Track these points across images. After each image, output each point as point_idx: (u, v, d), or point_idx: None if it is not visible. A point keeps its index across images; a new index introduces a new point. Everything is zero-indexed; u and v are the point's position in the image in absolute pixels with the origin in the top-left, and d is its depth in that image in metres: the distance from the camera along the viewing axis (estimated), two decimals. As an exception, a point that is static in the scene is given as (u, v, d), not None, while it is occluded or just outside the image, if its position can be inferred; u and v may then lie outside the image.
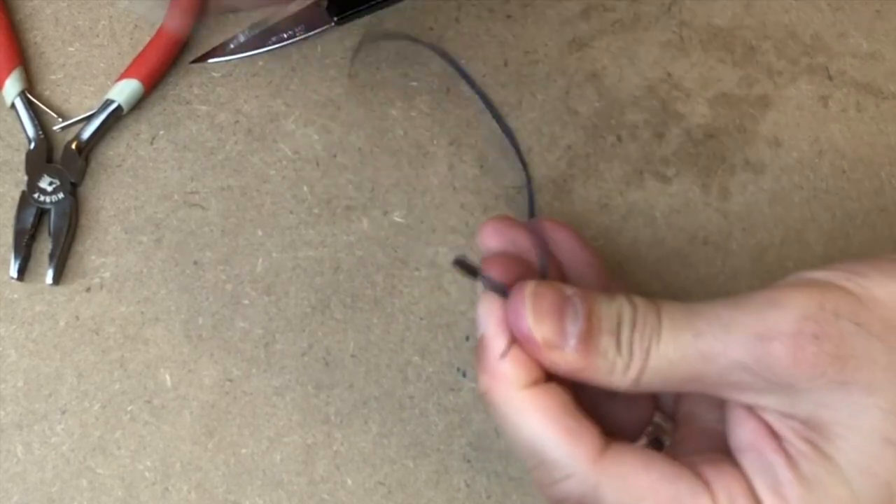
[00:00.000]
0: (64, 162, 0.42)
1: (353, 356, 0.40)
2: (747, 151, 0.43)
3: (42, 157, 0.42)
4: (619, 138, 0.43)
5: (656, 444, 0.32)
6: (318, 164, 0.43)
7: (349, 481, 0.39)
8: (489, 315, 0.30)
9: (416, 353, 0.40)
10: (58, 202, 0.41)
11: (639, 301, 0.29)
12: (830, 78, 0.44)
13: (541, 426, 0.29)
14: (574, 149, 0.43)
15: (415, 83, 0.43)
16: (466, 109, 0.43)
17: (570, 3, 0.45)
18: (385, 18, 0.45)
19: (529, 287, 0.30)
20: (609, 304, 0.29)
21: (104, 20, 0.45)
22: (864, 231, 0.42)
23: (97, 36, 0.44)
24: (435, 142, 0.43)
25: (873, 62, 0.44)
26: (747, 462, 0.29)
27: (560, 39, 0.44)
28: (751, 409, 0.29)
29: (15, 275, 0.40)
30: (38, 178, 0.42)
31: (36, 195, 0.41)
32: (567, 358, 0.29)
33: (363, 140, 0.43)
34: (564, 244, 0.34)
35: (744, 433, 0.29)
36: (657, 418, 0.32)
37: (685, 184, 0.42)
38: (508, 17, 0.45)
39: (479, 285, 0.31)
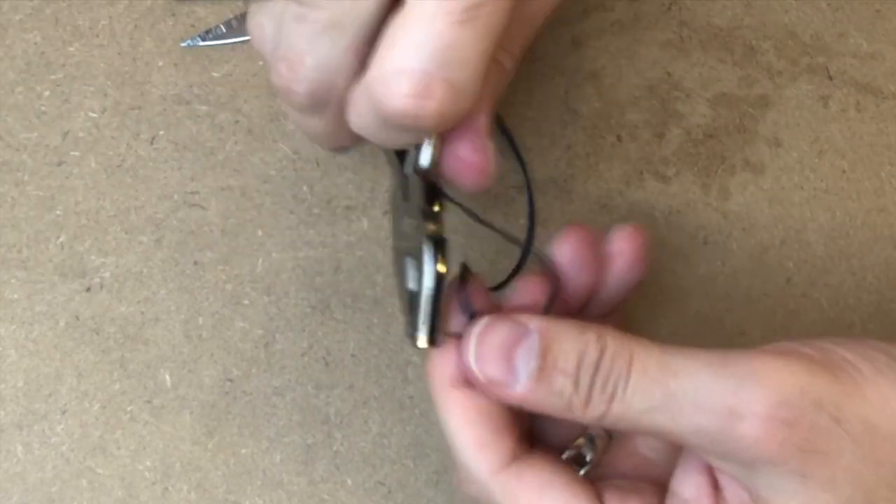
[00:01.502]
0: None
1: (353, 356, 0.40)
2: (747, 151, 0.43)
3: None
4: (619, 138, 0.43)
5: (578, 459, 0.32)
6: (318, 164, 0.43)
7: (349, 481, 0.39)
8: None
9: (416, 353, 0.40)
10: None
11: (610, 342, 0.28)
12: (830, 78, 0.44)
13: (455, 428, 0.30)
14: (574, 149, 0.43)
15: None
16: (466, 109, 0.43)
17: (570, 3, 0.45)
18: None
19: (480, 325, 0.29)
20: (572, 343, 0.28)
21: (104, 20, 0.45)
22: (864, 231, 0.42)
23: (97, 36, 0.44)
24: (435, 142, 0.43)
25: (873, 62, 0.44)
26: None
27: (560, 39, 0.44)
28: (704, 463, 0.29)
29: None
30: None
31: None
32: (516, 394, 0.28)
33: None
34: (621, 255, 0.34)
35: (688, 485, 0.29)
36: (592, 431, 0.32)
37: (685, 184, 0.42)
38: (508, 17, 0.45)
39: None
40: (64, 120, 0.43)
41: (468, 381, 0.30)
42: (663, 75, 0.44)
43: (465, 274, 0.32)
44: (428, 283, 0.29)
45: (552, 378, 0.28)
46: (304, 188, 0.42)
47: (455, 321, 0.31)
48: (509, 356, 0.28)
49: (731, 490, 0.28)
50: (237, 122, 0.43)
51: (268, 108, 0.43)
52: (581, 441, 0.32)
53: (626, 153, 0.43)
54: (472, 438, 0.30)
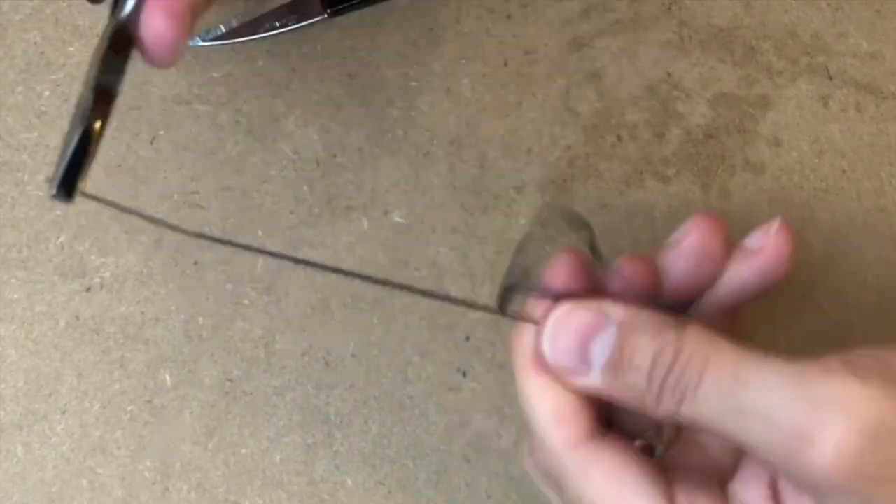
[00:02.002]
0: None
1: (353, 356, 0.40)
2: (747, 151, 0.43)
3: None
4: (619, 138, 0.43)
5: (647, 450, 0.32)
6: (318, 164, 0.43)
7: (349, 481, 0.39)
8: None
9: (416, 353, 0.40)
10: None
11: (687, 345, 0.27)
12: (830, 78, 0.44)
13: (535, 400, 0.30)
14: (574, 149, 0.43)
15: (415, 83, 0.43)
16: (466, 109, 0.43)
17: (570, 3, 0.45)
18: (383, 17, 0.45)
19: (559, 311, 0.29)
20: (649, 341, 0.28)
21: (104, 20, 0.45)
22: (864, 231, 0.42)
23: (97, 36, 0.44)
24: (435, 142, 0.43)
25: (873, 62, 0.44)
26: None
27: (560, 39, 0.44)
28: (768, 471, 0.29)
29: None
30: None
31: None
32: (589, 383, 0.29)
33: (363, 140, 0.43)
34: (761, 253, 0.32)
35: (749, 490, 0.29)
36: (663, 423, 0.32)
37: (685, 184, 0.42)
38: (508, 17, 0.45)
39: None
40: (64, 120, 0.43)
41: (543, 364, 0.30)
42: (663, 75, 0.44)
43: (571, 253, 0.31)
44: (76, 135, 0.29)
45: (626, 372, 0.28)
46: (304, 188, 0.42)
47: (540, 302, 0.30)
48: (584, 346, 0.28)
49: (792, 501, 0.28)
50: (237, 122, 0.43)
51: (268, 108, 0.43)
52: (651, 432, 0.32)
53: (626, 153, 0.43)
54: (551, 411, 0.29)
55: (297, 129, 0.43)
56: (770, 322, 0.41)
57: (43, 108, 0.43)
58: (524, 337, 0.30)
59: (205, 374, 0.40)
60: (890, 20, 0.45)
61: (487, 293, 0.41)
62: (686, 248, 0.32)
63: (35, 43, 0.44)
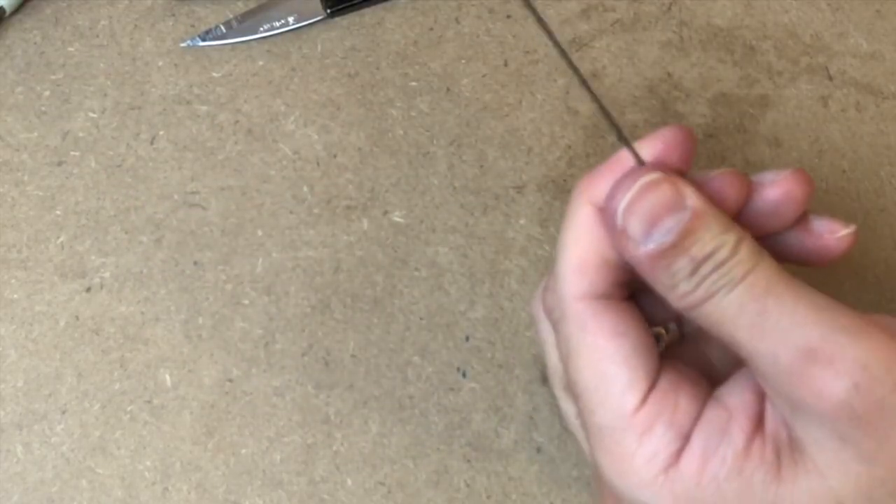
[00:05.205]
0: None
1: (353, 356, 0.40)
2: (747, 151, 0.43)
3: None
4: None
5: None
6: (318, 164, 0.43)
7: (349, 481, 0.39)
8: (612, 171, 0.30)
9: (416, 353, 0.40)
10: None
11: (743, 249, 0.28)
12: (830, 78, 0.44)
13: (569, 241, 0.30)
14: (574, 149, 0.43)
15: (415, 83, 0.43)
16: (466, 109, 0.43)
17: (570, 3, 0.45)
18: (383, 17, 0.45)
19: (646, 178, 0.29)
20: (714, 235, 0.28)
21: (104, 20, 0.45)
22: (864, 231, 0.42)
23: (97, 36, 0.44)
24: (435, 142, 0.43)
25: (873, 62, 0.44)
26: (711, 415, 0.28)
27: (560, 39, 0.44)
28: (759, 387, 0.29)
29: None
30: None
31: None
32: (637, 254, 0.28)
33: (363, 140, 0.43)
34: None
35: (734, 397, 0.29)
36: (671, 324, 0.32)
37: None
38: (508, 17, 0.45)
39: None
40: (64, 120, 0.43)
41: (603, 212, 0.30)
42: (663, 75, 0.44)
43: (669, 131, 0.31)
44: None
45: (677, 258, 0.28)
46: (304, 188, 0.42)
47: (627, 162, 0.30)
48: (655, 220, 0.28)
49: (772, 421, 0.28)
50: (237, 122, 0.43)
51: (268, 108, 0.43)
52: (660, 329, 0.32)
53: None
54: (577, 258, 0.30)
55: (297, 129, 0.43)
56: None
57: (43, 108, 0.43)
58: (600, 179, 0.30)
59: (205, 374, 0.40)
60: (890, 20, 0.45)
61: (487, 292, 0.41)
62: (765, 197, 0.31)
63: (35, 43, 0.44)
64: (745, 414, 0.28)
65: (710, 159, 0.43)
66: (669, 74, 0.44)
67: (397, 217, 0.42)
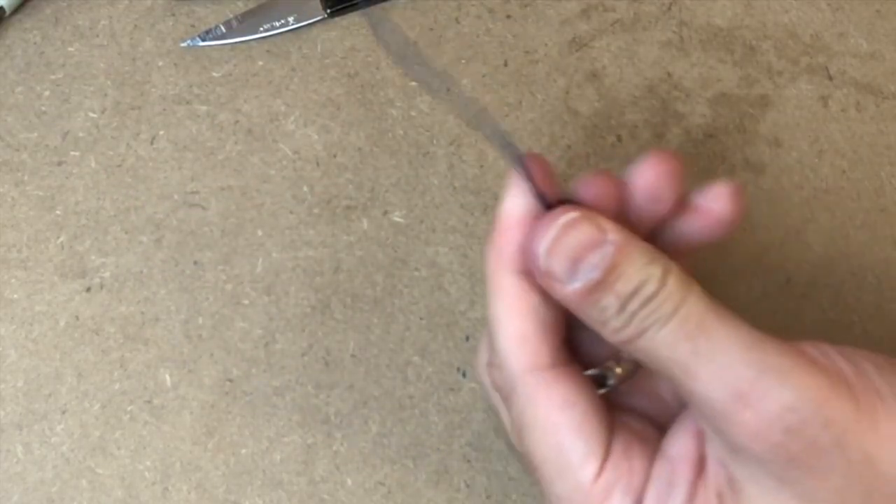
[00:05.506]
0: None
1: (353, 356, 0.40)
2: (747, 151, 0.43)
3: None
4: (619, 138, 0.43)
5: (600, 380, 0.31)
6: (318, 164, 0.43)
7: (349, 481, 0.39)
8: (512, 208, 0.30)
9: (416, 353, 0.40)
10: None
11: (670, 282, 0.27)
12: (830, 78, 0.44)
13: (502, 315, 0.30)
14: (574, 149, 0.43)
15: (415, 83, 0.43)
16: (466, 109, 0.43)
17: (570, 3, 0.45)
18: (382, 17, 0.45)
19: (565, 218, 0.28)
20: (638, 270, 0.28)
21: (104, 20, 0.45)
22: (864, 231, 0.42)
23: (97, 36, 0.44)
24: (435, 142, 0.43)
25: (873, 62, 0.44)
26: (659, 471, 0.29)
27: (560, 39, 0.44)
28: (699, 429, 0.29)
29: None
30: None
31: None
32: (565, 293, 0.28)
33: (363, 140, 0.43)
34: (707, 214, 0.32)
35: (677, 444, 0.29)
36: (623, 357, 0.32)
37: (685, 184, 0.42)
38: (508, 17, 0.45)
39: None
40: (64, 120, 0.43)
41: (524, 262, 0.29)
42: (663, 75, 0.44)
43: (528, 158, 0.30)
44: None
45: (605, 293, 0.28)
46: (304, 188, 0.42)
47: (522, 203, 0.30)
48: (579, 258, 0.28)
49: (713, 464, 0.28)
50: (237, 122, 0.43)
51: (268, 108, 0.43)
52: (610, 363, 0.32)
53: (626, 153, 0.43)
54: (516, 329, 0.29)
55: (297, 129, 0.43)
56: (770, 322, 0.41)
57: (43, 108, 0.43)
58: (507, 237, 0.30)
59: (205, 374, 0.40)
60: (890, 20, 0.45)
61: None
62: (638, 188, 0.31)
63: (35, 43, 0.44)
64: (686, 461, 0.28)
65: (710, 159, 0.43)
66: (669, 74, 0.44)
67: (397, 217, 0.42)
